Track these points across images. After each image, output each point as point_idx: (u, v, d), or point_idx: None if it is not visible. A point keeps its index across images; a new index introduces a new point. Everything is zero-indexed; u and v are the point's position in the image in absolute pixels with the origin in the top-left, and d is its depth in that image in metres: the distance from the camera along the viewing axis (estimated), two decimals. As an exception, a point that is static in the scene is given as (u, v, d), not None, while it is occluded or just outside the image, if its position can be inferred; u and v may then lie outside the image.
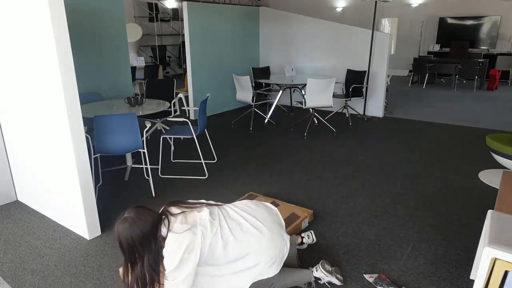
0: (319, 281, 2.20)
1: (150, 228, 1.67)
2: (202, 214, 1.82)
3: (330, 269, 2.20)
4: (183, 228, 1.71)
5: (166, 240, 1.70)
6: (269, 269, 1.93)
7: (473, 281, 2.24)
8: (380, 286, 2.15)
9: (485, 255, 1.55)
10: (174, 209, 1.83)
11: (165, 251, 1.69)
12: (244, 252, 1.87)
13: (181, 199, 2.08)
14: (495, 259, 1.53)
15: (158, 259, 1.69)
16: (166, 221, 1.74)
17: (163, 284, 1.73)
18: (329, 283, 2.20)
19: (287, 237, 2.06)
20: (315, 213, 3.07)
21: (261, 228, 1.94)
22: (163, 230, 1.71)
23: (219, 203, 2.04)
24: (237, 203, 2.10)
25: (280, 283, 2.02)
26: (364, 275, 2.29)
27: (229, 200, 3.33)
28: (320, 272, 2.17)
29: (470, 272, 2.31)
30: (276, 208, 2.19)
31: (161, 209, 1.85)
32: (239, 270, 1.89)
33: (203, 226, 1.78)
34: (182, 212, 1.81)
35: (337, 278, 2.18)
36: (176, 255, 1.68)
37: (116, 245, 1.68)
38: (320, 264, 2.20)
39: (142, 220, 1.66)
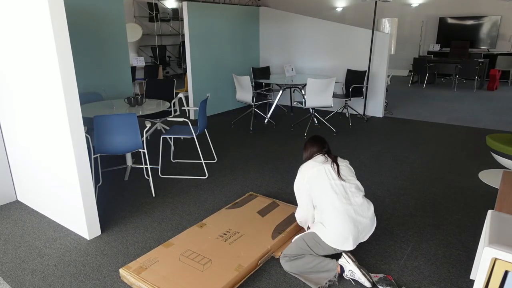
0: (344, 274, 2.21)
1: (315, 149, 2.50)
2: (327, 165, 2.38)
3: (354, 260, 2.23)
4: (310, 165, 2.40)
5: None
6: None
7: (473, 281, 2.24)
8: (381, 285, 2.15)
9: (485, 255, 1.55)
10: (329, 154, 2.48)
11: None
12: (323, 207, 2.30)
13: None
14: (495, 259, 1.53)
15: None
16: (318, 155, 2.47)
17: None
18: (353, 279, 2.20)
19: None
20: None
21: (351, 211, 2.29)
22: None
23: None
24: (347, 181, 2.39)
25: (308, 261, 2.24)
26: (370, 274, 2.29)
27: (229, 200, 3.33)
28: (343, 258, 2.23)
29: (470, 272, 2.31)
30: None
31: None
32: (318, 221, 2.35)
33: (321, 171, 2.35)
34: (324, 155, 2.45)
35: (361, 271, 2.16)
36: (298, 178, 2.45)
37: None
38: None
39: (317, 143, 2.52)
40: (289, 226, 2.71)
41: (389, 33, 6.19)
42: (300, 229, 2.77)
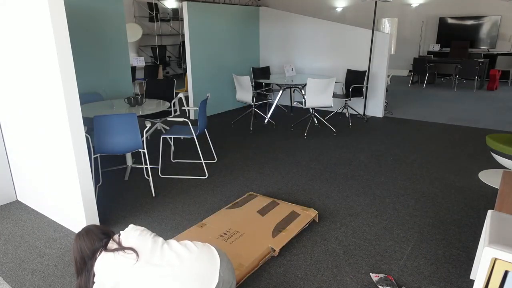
0: None
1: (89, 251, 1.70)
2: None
3: None
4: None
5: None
6: None
7: (473, 281, 2.24)
8: (381, 285, 2.15)
9: (485, 255, 1.55)
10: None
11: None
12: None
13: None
14: (495, 259, 1.53)
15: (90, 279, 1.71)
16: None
17: None
18: None
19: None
20: (315, 213, 3.07)
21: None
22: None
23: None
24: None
25: None
26: (370, 273, 2.29)
27: (229, 200, 3.34)
28: None
29: (470, 272, 2.31)
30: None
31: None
32: None
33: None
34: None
35: None
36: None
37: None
38: None
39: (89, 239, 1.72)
40: (290, 224, 2.71)
41: (389, 33, 6.19)
42: (301, 227, 2.77)
